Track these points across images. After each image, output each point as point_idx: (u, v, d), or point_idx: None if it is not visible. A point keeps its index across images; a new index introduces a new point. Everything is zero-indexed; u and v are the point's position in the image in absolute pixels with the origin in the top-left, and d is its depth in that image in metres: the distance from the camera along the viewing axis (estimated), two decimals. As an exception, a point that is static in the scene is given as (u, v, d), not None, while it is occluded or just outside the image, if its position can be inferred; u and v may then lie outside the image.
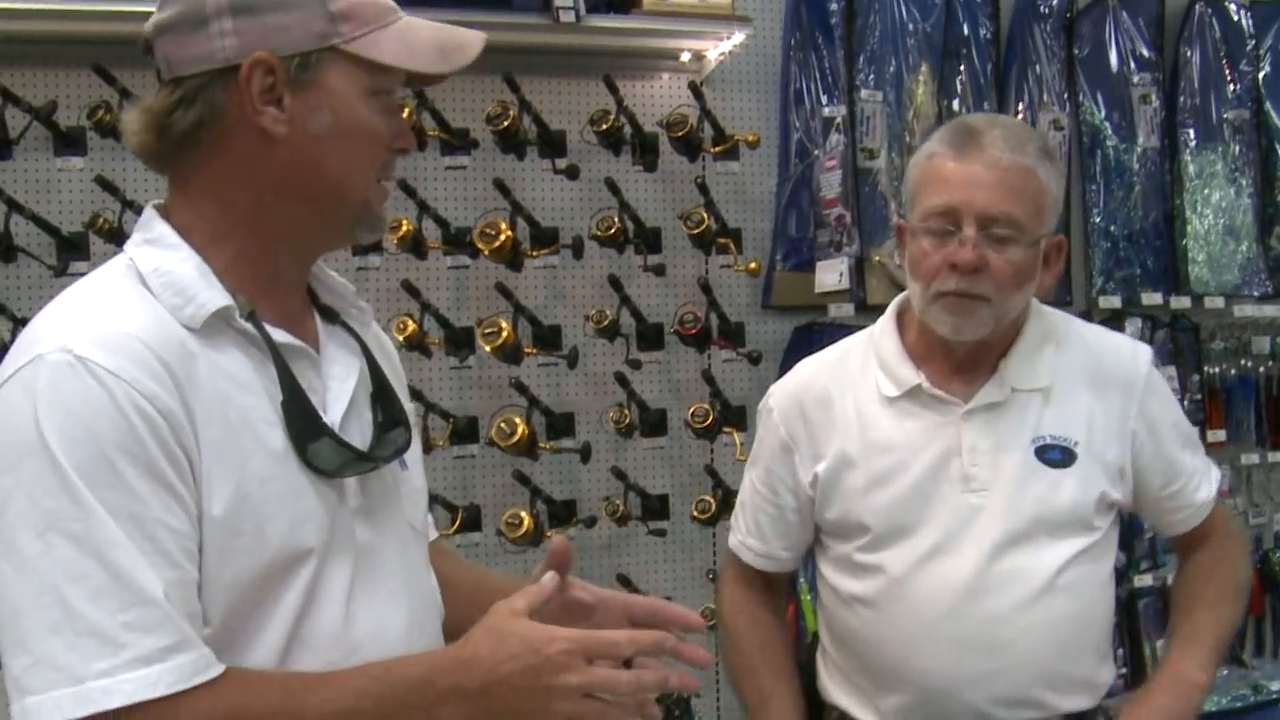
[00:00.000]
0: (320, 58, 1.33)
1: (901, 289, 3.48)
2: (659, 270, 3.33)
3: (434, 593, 1.55)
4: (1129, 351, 2.05)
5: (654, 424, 3.41)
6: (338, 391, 1.42)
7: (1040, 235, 1.90)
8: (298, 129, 1.33)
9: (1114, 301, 3.83)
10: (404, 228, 3.11)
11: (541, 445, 3.25)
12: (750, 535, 2.17)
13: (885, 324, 2.07)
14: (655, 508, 3.36)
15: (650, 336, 3.41)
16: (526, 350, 3.23)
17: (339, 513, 1.37)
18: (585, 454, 3.29)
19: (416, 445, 1.56)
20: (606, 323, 3.23)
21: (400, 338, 3.12)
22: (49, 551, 1.17)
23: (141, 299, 1.30)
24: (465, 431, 3.30)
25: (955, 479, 1.95)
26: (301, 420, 1.33)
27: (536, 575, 1.44)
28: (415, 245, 3.16)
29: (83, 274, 2.93)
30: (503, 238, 3.11)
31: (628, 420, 3.31)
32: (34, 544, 1.17)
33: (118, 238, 3.04)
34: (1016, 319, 1.98)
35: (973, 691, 1.91)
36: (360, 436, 1.42)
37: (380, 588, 1.41)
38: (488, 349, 3.12)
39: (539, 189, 3.37)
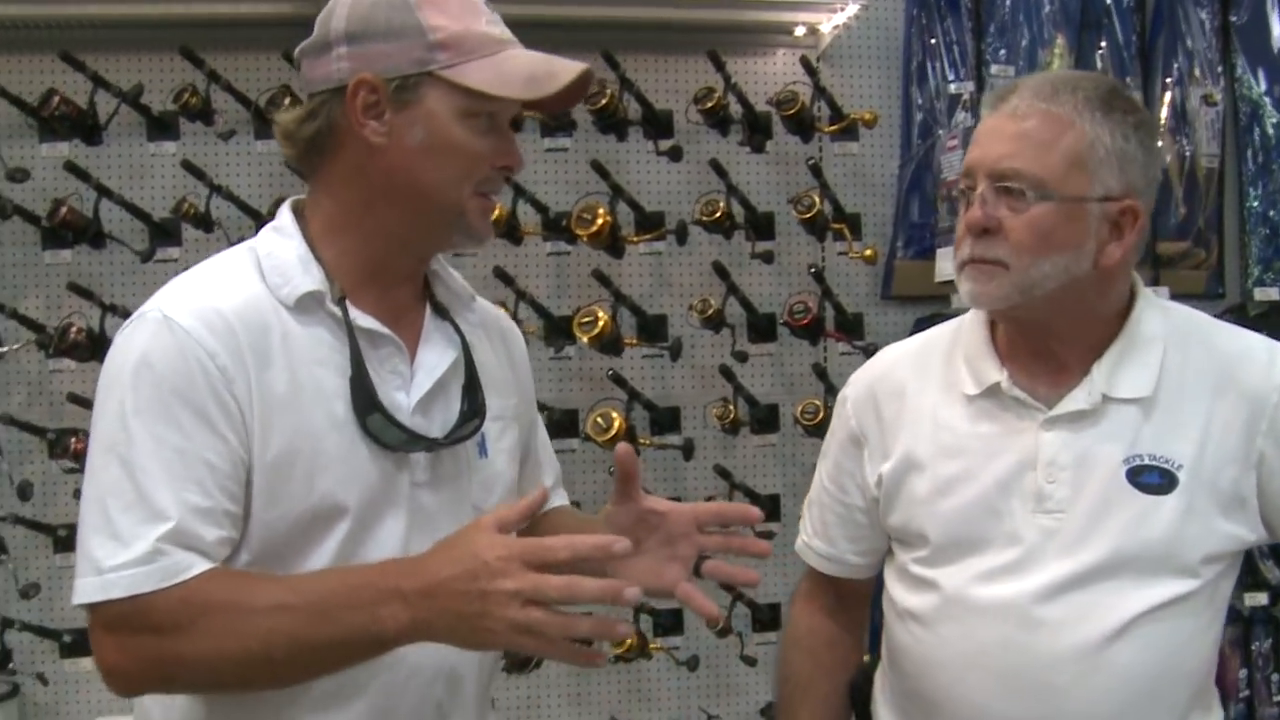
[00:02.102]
0: (418, 81, 1.55)
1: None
2: (767, 257, 3.25)
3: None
4: (1263, 356, 1.78)
5: (764, 420, 3.33)
6: (424, 378, 1.64)
7: (1084, 195, 1.69)
8: (396, 141, 1.56)
9: (1271, 294, 3.63)
10: (497, 212, 3.08)
11: (642, 441, 3.19)
12: (816, 536, 2.01)
13: (976, 312, 1.87)
14: (765, 509, 3.26)
15: (761, 328, 3.33)
16: (626, 341, 3.18)
17: (397, 480, 1.59)
18: (688, 451, 3.23)
19: (510, 437, 1.75)
20: (711, 312, 3.16)
21: (495, 326, 3.10)
22: (106, 468, 1.47)
23: (245, 277, 1.56)
24: (564, 425, 3.26)
25: (1028, 495, 1.75)
26: (361, 395, 1.56)
27: (614, 487, 1.63)
28: (510, 230, 3.13)
29: (172, 260, 3.05)
30: (600, 222, 3.07)
31: (733, 416, 3.23)
32: (98, 459, 1.49)
33: (204, 223, 3.08)
34: (1114, 310, 1.78)
35: None
36: (443, 419, 1.64)
37: None
38: (584, 339, 3.08)
39: (643, 171, 3.32)
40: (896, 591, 1.88)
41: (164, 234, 3.15)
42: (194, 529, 1.46)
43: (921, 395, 1.86)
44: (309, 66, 1.60)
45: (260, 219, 3.11)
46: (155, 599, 1.43)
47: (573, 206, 3.16)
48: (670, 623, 3.31)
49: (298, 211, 1.63)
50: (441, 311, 1.70)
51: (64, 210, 3.04)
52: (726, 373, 3.20)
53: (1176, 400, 1.75)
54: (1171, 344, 1.78)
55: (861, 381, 1.95)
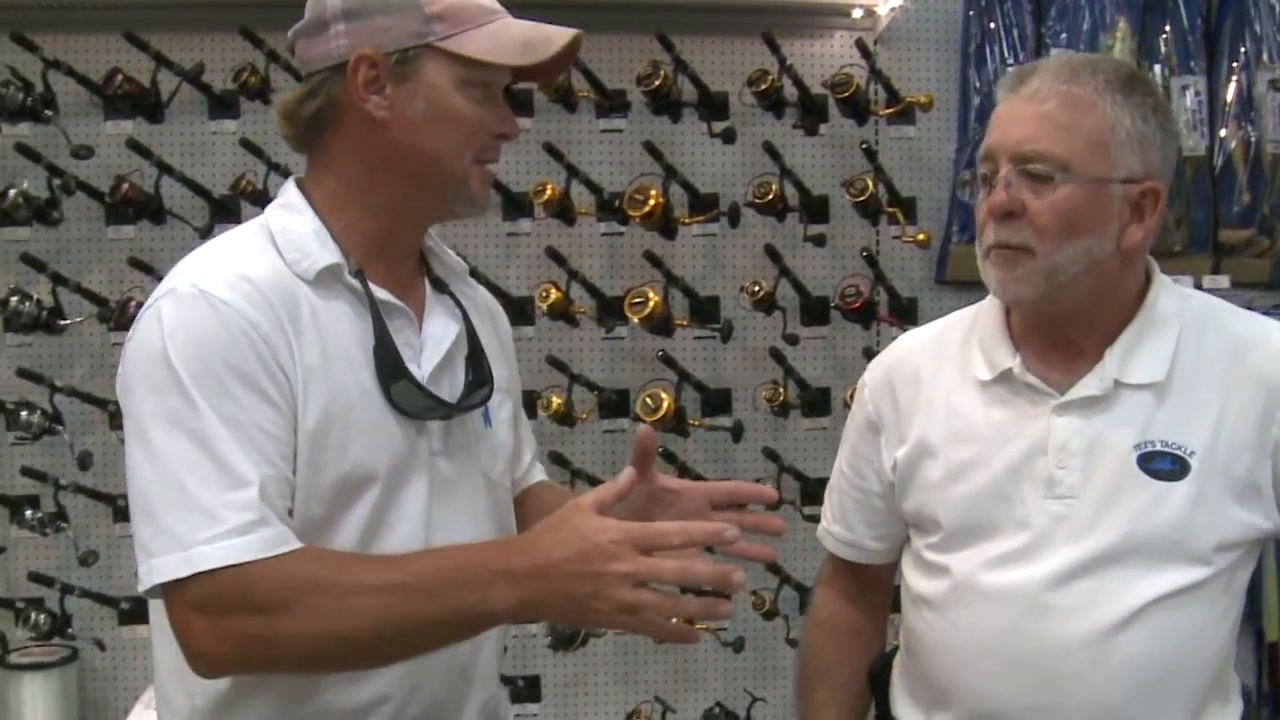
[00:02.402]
0: (417, 53, 1.58)
1: (1092, 263, 3.39)
2: (819, 240, 3.25)
3: (493, 535, 1.72)
4: (1279, 341, 1.77)
5: (814, 403, 3.34)
6: (432, 349, 1.67)
7: (1106, 177, 1.68)
8: (398, 114, 1.58)
9: (1338, 287, 3.58)
10: (549, 192, 3.11)
11: (692, 422, 3.22)
12: (835, 522, 2.02)
13: (990, 297, 1.85)
14: (814, 492, 3.28)
15: (814, 311, 3.34)
16: (677, 322, 3.20)
17: (418, 446, 1.62)
18: (737, 433, 3.25)
19: (508, 408, 1.80)
20: (762, 294, 3.17)
21: (544, 306, 3.13)
22: (173, 443, 1.46)
23: (264, 251, 1.59)
24: (615, 405, 3.29)
25: (1039, 481, 1.75)
26: (386, 363, 1.60)
27: (630, 463, 1.62)
28: (562, 210, 3.16)
29: (230, 235, 3.10)
30: (652, 204, 3.08)
31: (783, 398, 3.24)
32: (162, 436, 1.47)
33: (261, 200, 3.13)
34: (1130, 295, 1.77)
35: None
36: (450, 389, 1.68)
37: (453, 520, 1.65)
38: (635, 319, 3.10)
39: (697, 153, 3.33)
40: (911, 577, 1.89)
41: (223, 211, 3.22)
42: (272, 499, 1.47)
43: (936, 381, 1.86)
44: (305, 47, 1.62)
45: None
46: (255, 574, 1.44)
47: (626, 188, 3.18)
48: (718, 604, 3.33)
49: (300, 189, 1.66)
50: (440, 286, 1.73)
51: (125, 187, 3.11)
52: (777, 355, 3.22)
53: (1190, 386, 1.74)
54: (1187, 329, 1.77)
55: (879, 367, 1.96)
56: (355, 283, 1.61)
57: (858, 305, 3.20)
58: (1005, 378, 1.79)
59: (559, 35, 1.62)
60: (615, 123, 3.30)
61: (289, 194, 1.65)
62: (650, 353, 3.22)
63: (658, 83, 3.11)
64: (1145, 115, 1.70)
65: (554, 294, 3.13)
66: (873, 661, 2.03)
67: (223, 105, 3.22)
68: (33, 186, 3.13)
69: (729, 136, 3.19)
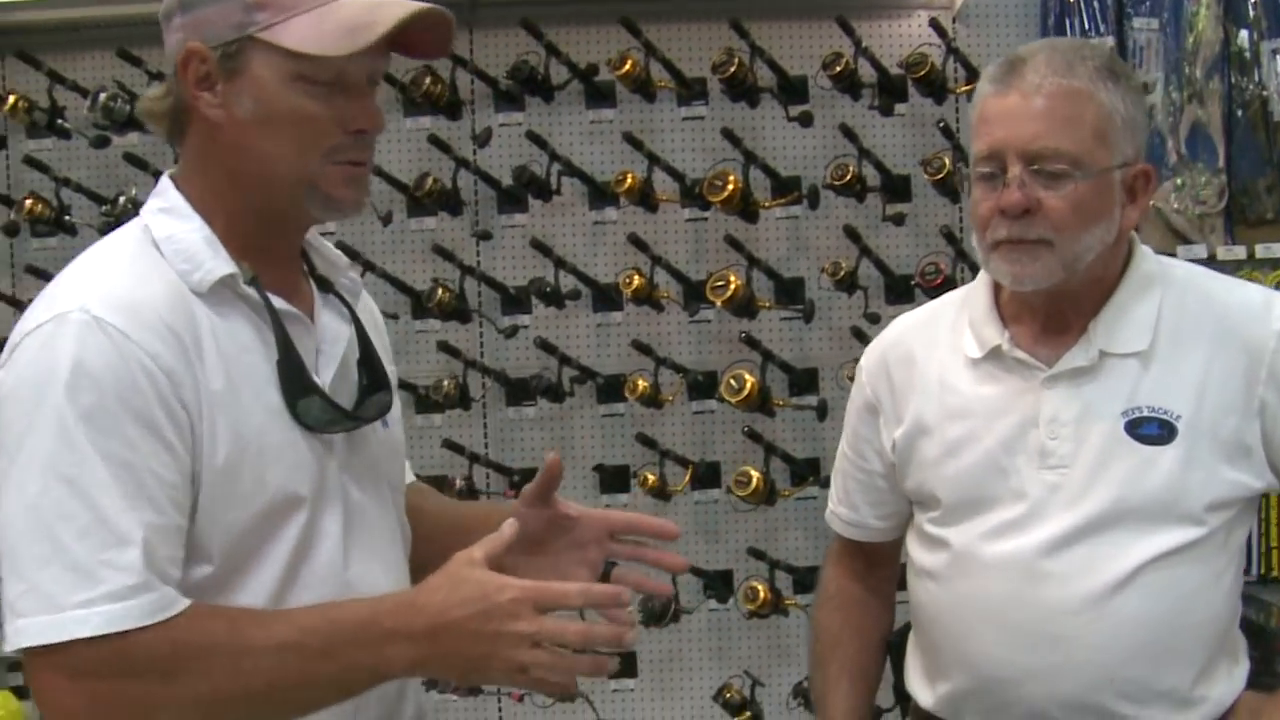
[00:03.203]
0: (241, 46, 1.46)
1: (1181, 237, 3.38)
2: (898, 219, 3.30)
3: (404, 543, 1.69)
4: (1259, 304, 1.83)
5: (900, 380, 3.39)
6: (329, 355, 1.58)
7: (1109, 166, 1.74)
8: (231, 115, 1.47)
9: None
10: (629, 181, 3.21)
11: (778, 402, 3.29)
12: (840, 504, 2.10)
13: (981, 278, 1.93)
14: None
15: (896, 289, 3.39)
16: (760, 303, 3.28)
17: (327, 464, 1.53)
18: (822, 411, 3.32)
19: (397, 405, 1.71)
20: (842, 275, 3.24)
21: (628, 292, 3.23)
22: (46, 491, 1.35)
23: (155, 265, 1.47)
24: (702, 387, 3.37)
25: (1033, 453, 1.81)
26: (293, 379, 1.50)
27: (530, 489, 1.61)
28: (644, 198, 3.25)
29: (331, 234, 3.25)
30: (730, 188, 3.16)
31: (866, 376, 3.30)
32: (35, 483, 1.36)
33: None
34: (1116, 270, 1.83)
35: (1031, 686, 1.80)
36: (347, 397, 1.59)
37: (367, 540, 1.57)
38: (717, 302, 3.19)
39: (777, 137, 3.40)
40: (915, 551, 1.97)
41: (323, 210, 3.36)
42: (156, 553, 1.37)
43: (930, 361, 1.93)
44: (166, 41, 1.52)
45: (408, 192, 3.30)
46: (138, 641, 1.35)
47: (706, 173, 3.27)
48: (810, 580, 3.40)
49: (179, 189, 1.53)
50: (324, 285, 1.63)
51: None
52: (859, 334, 3.28)
53: (1173, 352, 1.80)
54: (1168, 297, 1.83)
55: (875, 350, 2.04)
56: (252, 293, 1.49)
57: (939, 282, 3.25)
58: (995, 355, 1.86)
59: (388, 16, 1.45)
60: (696, 110, 3.38)
61: (169, 195, 1.53)
62: (736, 335, 3.30)
63: (733, 69, 3.19)
64: (1134, 100, 1.77)
65: (637, 280, 3.23)
66: (889, 634, 2.11)
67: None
68: (142, 194, 3.30)
69: (806, 120, 3.25)
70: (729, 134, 3.18)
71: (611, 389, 3.36)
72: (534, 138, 3.26)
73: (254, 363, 1.48)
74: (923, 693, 1.96)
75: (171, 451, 1.39)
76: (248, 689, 1.38)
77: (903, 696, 2.06)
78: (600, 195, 3.38)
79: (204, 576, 1.45)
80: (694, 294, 3.32)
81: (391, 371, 1.70)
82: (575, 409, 3.43)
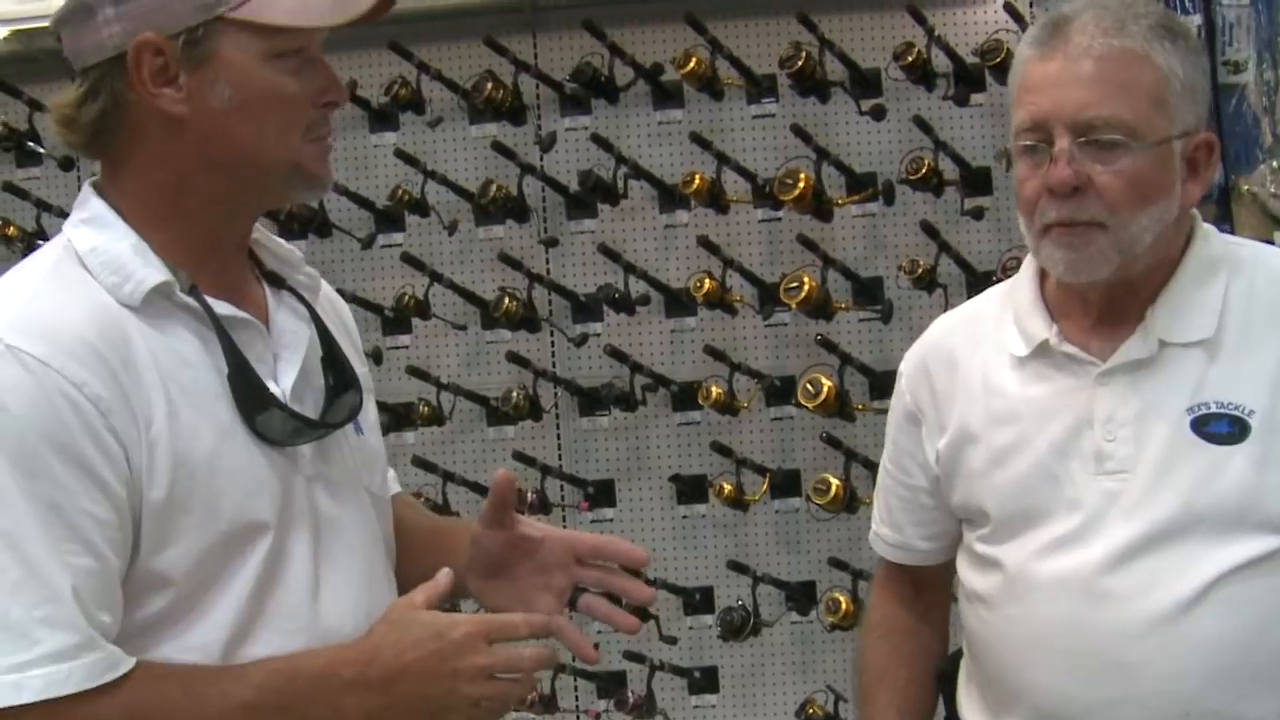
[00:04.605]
0: (210, 30, 1.36)
1: (1279, 222, 3.25)
2: (977, 213, 3.21)
3: (387, 556, 1.62)
4: None
5: (985, 381, 3.30)
6: (289, 360, 1.48)
7: (1169, 135, 1.60)
8: (199, 106, 1.38)
9: None
10: (697, 182, 3.15)
11: (857, 406, 3.21)
12: (883, 524, 1.94)
13: (1025, 268, 1.78)
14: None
15: (979, 286, 3.27)
16: (837, 305, 3.20)
17: (293, 481, 1.44)
18: (904, 415, 3.23)
19: (373, 409, 1.64)
20: (920, 272, 3.15)
21: (699, 296, 3.17)
22: None
23: (79, 281, 1.37)
24: (780, 392, 3.30)
25: (1088, 457, 1.67)
26: (248, 392, 1.40)
27: (483, 510, 1.58)
28: (713, 199, 3.19)
29: (398, 245, 3.25)
30: (801, 186, 3.09)
31: (949, 378, 3.22)
32: None
33: (420, 208, 3.27)
34: (1176, 252, 1.69)
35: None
36: (313, 402, 1.49)
37: (342, 559, 1.49)
38: (791, 304, 3.12)
39: (851, 132, 3.32)
40: (965, 573, 1.83)
41: (389, 221, 3.36)
42: (91, 605, 1.28)
43: (972, 362, 1.79)
44: (71, 40, 1.40)
45: (472, 200, 3.27)
46: (88, 704, 1.27)
47: (777, 172, 3.20)
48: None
49: (103, 197, 1.44)
50: (276, 282, 1.53)
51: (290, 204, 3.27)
52: (940, 334, 3.19)
53: (1243, 340, 1.65)
54: (1236, 279, 1.69)
55: (914, 354, 1.90)
56: (191, 301, 1.40)
57: (1018, 277, 3.15)
58: (1043, 350, 1.71)
59: None
60: (766, 107, 3.32)
61: (91, 205, 1.43)
62: (813, 338, 3.22)
63: (800, 64, 3.12)
64: (1193, 61, 1.63)
65: (708, 283, 3.17)
66: (939, 663, 1.96)
67: (382, 119, 3.36)
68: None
69: (878, 113, 3.18)
70: (799, 131, 3.12)
71: (686, 396, 3.30)
72: (599, 141, 3.22)
73: (200, 378, 1.39)
74: None
75: (104, 488, 1.30)
76: None
77: None
78: (670, 198, 3.33)
79: (161, 608, 1.36)
80: (768, 296, 3.25)
81: (363, 373, 1.60)
82: (650, 418, 3.38)
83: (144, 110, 1.38)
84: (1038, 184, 1.62)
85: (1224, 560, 1.62)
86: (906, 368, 1.90)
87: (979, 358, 1.79)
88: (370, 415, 1.62)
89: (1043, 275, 1.75)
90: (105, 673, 1.28)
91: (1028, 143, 1.63)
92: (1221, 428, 1.63)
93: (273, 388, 1.44)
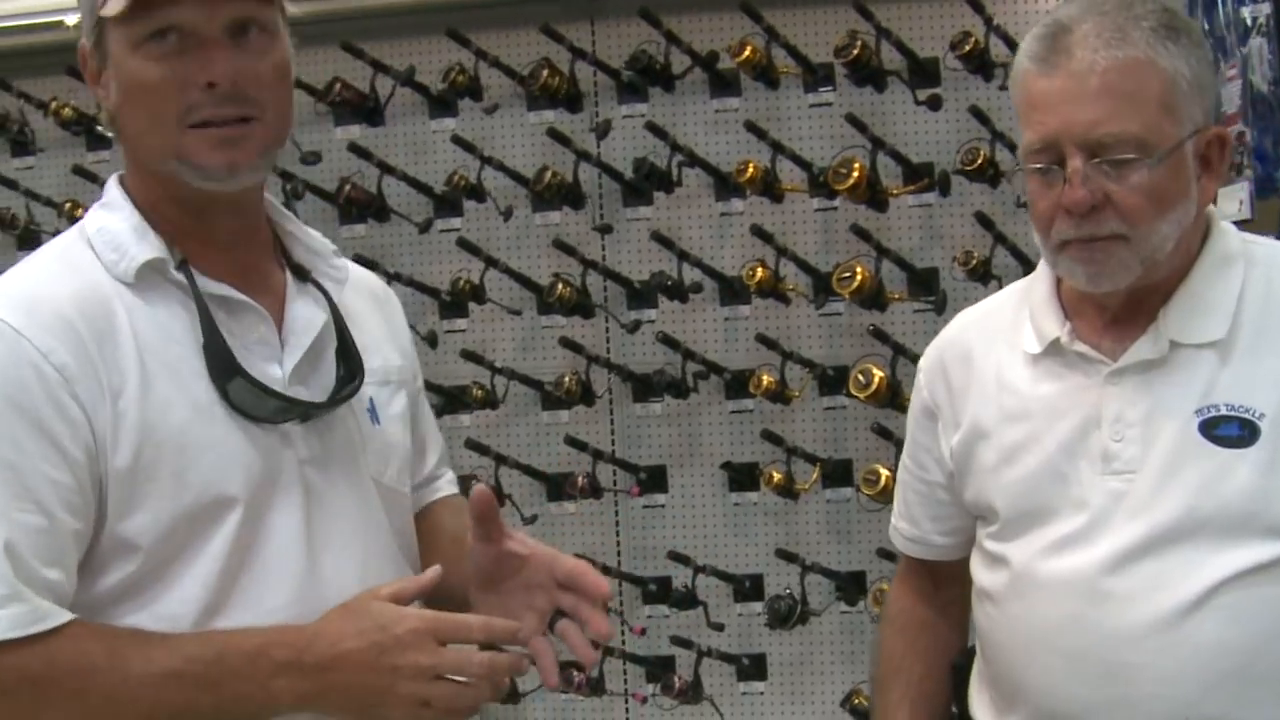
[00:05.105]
0: (103, 31, 1.46)
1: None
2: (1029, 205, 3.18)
3: (399, 549, 1.63)
4: None
5: (1039, 374, 3.28)
6: (294, 346, 1.53)
7: (1180, 139, 1.57)
8: (113, 100, 1.48)
9: None
10: (750, 171, 3.16)
11: (908, 397, 3.19)
12: (901, 518, 1.96)
13: (1042, 266, 1.76)
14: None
15: (1037, 278, 3.27)
16: (891, 295, 3.19)
17: (281, 459, 1.48)
18: (956, 406, 3.22)
19: (400, 402, 1.67)
20: (975, 264, 3.13)
21: (751, 284, 3.18)
22: None
23: (79, 259, 1.47)
24: (832, 382, 3.31)
25: (1095, 457, 1.65)
26: (217, 363, 1.45)
27: (468, 523, 1.54)
28: (767, 188, 3.19)
29: (455, 230, 3.29)
30: (855, 176, 3.09)
31: (1002, 370, 3.20)
32: None
33: (477, 194, 3.30)
34: (1193, 250, 1.67)
35: None
36: (320, 388, 1.54)
37: (336, 543, 1.51)
38: (844, 294, 3.12)
39: (908, 122, 3.31)
40: (976, 570, 1.83)
41: (447, 206, 3.40)
42: (29, 563, 1.34)
43: (987, 358, 1.78)
44: None
45: (528, 186, 3.30)
46: (10, 654, 1.32)
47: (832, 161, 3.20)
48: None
49: (122, 184, 1.55)
50: (302, 274, 1.59)
51: (348, 188, 3.33)
52: (995, 325, 3.17)
53: (1257, 342, 1.63)
54: (1252, 278, 1.66)
55: (933, 350, 1.90)
56: (181, 278, 1.47)
57: (1075, 270, 3.13)
58: (1055, 349, 1.71)
59: None
60: (823, 96, 3.31)
61: (109, 191, 1.54)
62: (866, 328, 3.22)
63: (856, 52, 3.11)
64: (1198, 57, 1.61)
65: (761, 272, 3.18)
66: (955, 657, 1.96)
67: (442, 105, 3.40)
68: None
69: (935, 103, 3.16)
70: (854, 120, 3.11)
71: (739, 384, 3.31)
72: (654, 128, 3.24)
73: (182, 354, 1.45)
74: None
75: (61, 451, 1.37)
76: (122, 718, 1.35)
77: None
78: (725, 186, 3.33)
79: (130, 575, 1.42)
80: (822, 286, 3.25)
81: (397, 366, 1.67)
82: (703, 405, 3.40)
83: None
84: (1052, 203, 1.60)
85: (1228, 565, 1.60)
86: (925, 363, 1.90)
87: (994, 355, 1.78)
88: (393, 408, 1.64)
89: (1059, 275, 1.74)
90: (31, 624, 1.32)
91: (1039, 165, 1.61)
92: (1231, 430, 1.61)
93: (270, 370, 1.49)
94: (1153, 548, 1.62)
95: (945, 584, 1.97)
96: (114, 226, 1.49)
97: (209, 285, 1.48)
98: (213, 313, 1.47)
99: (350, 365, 1.57)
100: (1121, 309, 1.69)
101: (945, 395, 1.84)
